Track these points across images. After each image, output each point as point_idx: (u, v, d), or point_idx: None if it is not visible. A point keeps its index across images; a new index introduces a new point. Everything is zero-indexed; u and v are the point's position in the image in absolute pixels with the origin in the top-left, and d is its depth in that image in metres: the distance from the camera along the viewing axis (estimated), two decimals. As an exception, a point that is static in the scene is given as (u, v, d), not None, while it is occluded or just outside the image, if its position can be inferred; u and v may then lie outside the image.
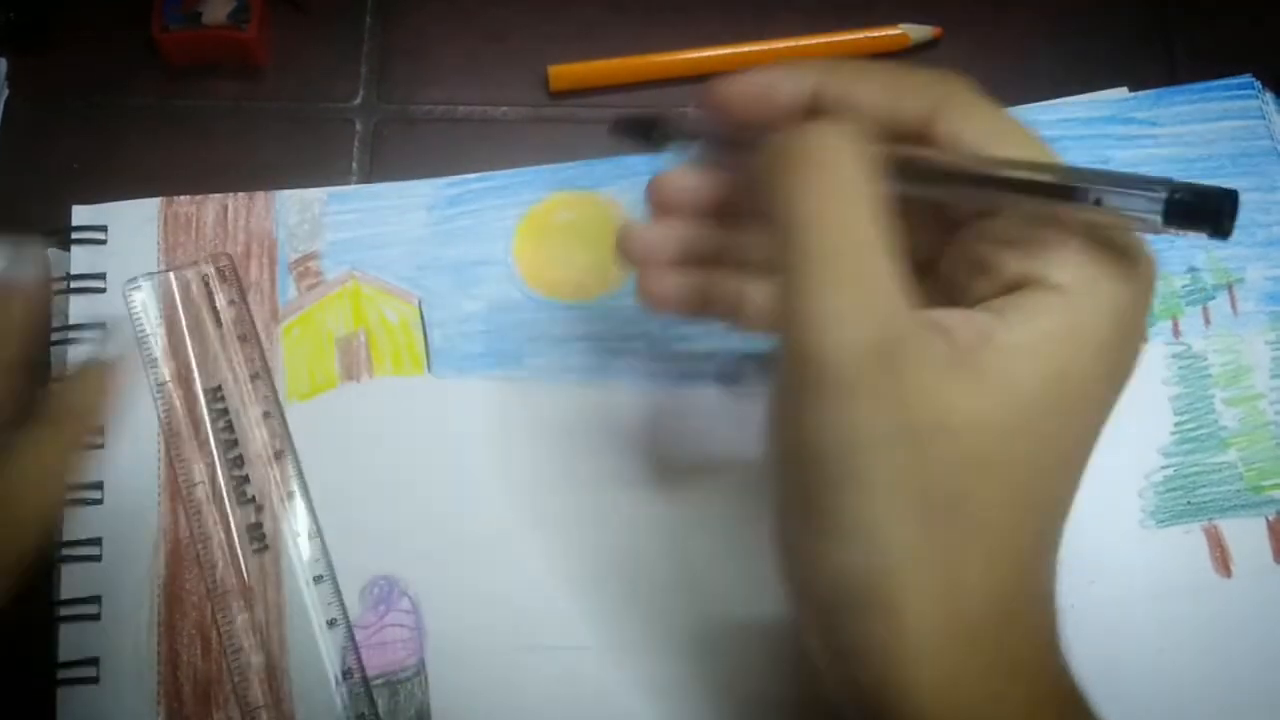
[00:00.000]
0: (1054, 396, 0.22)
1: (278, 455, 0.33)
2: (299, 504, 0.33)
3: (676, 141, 0.28)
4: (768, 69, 0.26)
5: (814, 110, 0.25)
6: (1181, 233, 0.21)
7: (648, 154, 0.29)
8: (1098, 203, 0.22)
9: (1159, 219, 0.21)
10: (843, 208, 0.23)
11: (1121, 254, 0.23)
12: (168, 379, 0.34)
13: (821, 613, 0.23)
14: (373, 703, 0.31)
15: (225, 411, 0.34)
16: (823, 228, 0.23)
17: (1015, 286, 0.23)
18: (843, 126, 0.24)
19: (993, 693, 0.22)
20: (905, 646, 0.22)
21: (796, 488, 0.23)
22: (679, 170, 0.28)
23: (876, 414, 0.22)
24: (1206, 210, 0.20)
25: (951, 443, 0.22)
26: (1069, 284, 0.23)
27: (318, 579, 0.32)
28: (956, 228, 0.25)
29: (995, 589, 0.22)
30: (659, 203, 0.28)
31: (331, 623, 0.32)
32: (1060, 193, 0.22)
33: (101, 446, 0.33)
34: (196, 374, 0.34)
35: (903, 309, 0.22)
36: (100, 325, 0.34)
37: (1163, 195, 0.21)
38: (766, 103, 0.26)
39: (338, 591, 0.32)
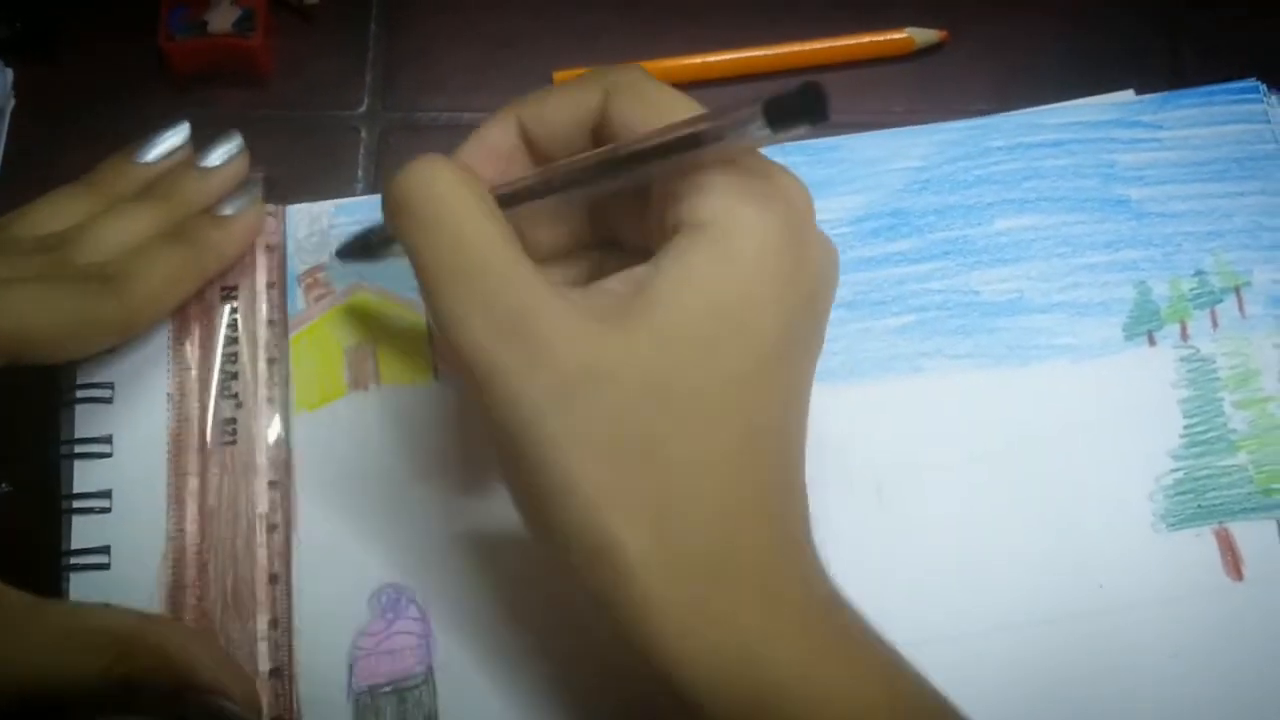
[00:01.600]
0: (716, 322, 0.24)
1: (276, 483, 0.33)
2: (301, 515, 0.33)
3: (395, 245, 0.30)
4: (478, 134, 0.29)
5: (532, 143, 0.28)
6: (790, 132, 0.22)
7: (376, 262, 0.33)
8: (719, 140, 0.23)
9: (767, 130, 0.22)
10: (448, 230, 0.25)
11: (761, 181, 0.24)
12: (178, 389, 0.34)
13: (576, 574, 0.24)
14: (380, 711, 0.31)
15: (234, 421, 0.34)
16: (434, 253, 0.25)
17: (672, 234, 0.25)
18: (435, 159, 0.26)
19: (734, 616, 0.24)
20: (634, 587, 0.23)
21: (510, 467, 0.25)
22: None
23: (528, 382, 0.23)
24: (800, 104, 0.22)
25: (614, 387, 0.23)
26: (710, 218, 0.24)
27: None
28: (645, 204, 0.27)
29: (713, 515, 0.24)
30: None
31: (337, 630, 0.32)
32: (680, 145, 0.24)
33: (109, 455, 0.33)
34: (209, 383, 0.34)
35: (528, 289, 0.24)
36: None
37: (758, 107, 0.22)
38: (495, 159, 0.28)
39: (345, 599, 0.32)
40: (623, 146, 0.25)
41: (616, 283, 0.25)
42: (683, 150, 0.24)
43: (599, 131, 0.27)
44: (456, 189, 0.25)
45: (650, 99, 0.26)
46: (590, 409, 0.23)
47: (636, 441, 0.23)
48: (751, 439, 0.24)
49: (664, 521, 0.23)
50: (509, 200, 0.27)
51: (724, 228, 0.24)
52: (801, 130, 0.22)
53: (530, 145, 0.28)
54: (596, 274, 0.27)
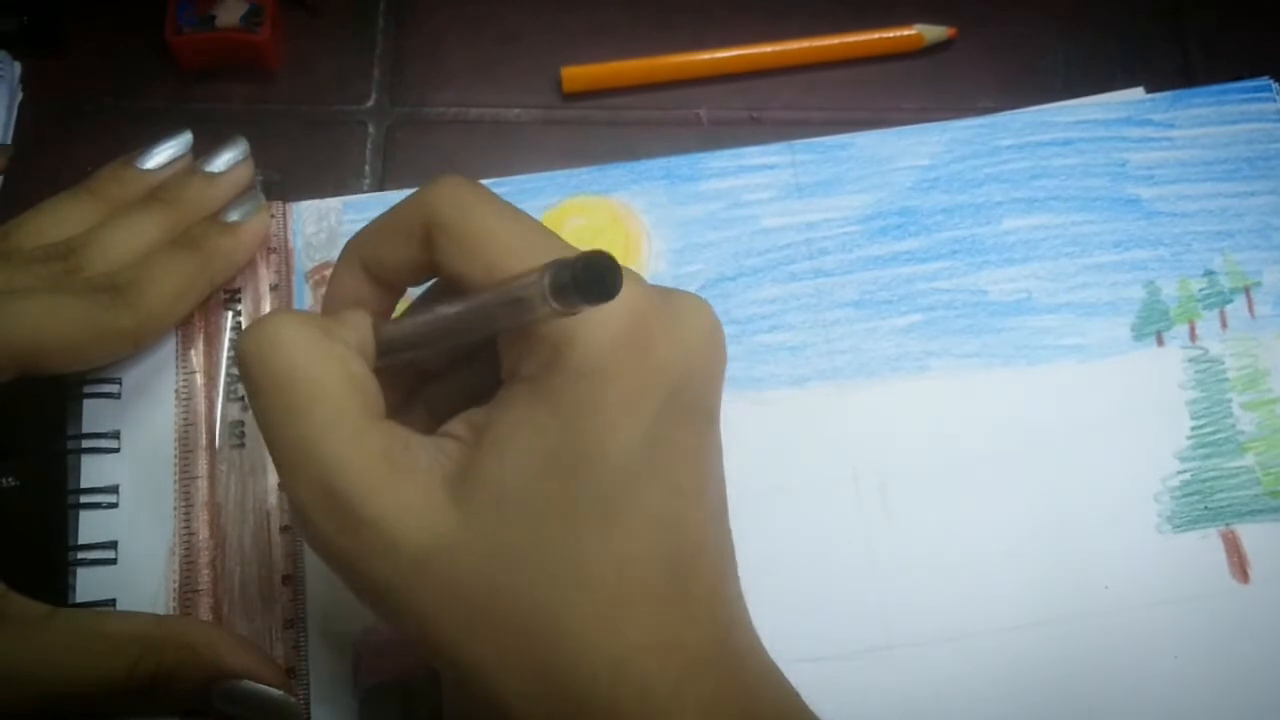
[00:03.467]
0: (549, 477, 0.23)
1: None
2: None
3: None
4: (331, 279, 0.27)
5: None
6: (576, 307, 0.21)
7: None
8: (529, 311, 0.22)
9: (557, 306, 0.21)
10: (286, 406, 0.24)
11: (570, 331, 0.23)
12: (185, 389, 0.34)
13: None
14: (387, 708, 0.31)
15: (241, 424, 0.34)
16: (273, 430, 0.24)
17: (506, 378, 0.24)
18: (284, 319, 0.25)
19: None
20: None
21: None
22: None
23: (375, 567, 0.23)
24: (588, 285, 0.20)
25: (461, 555, 0.23)
26: (531, 372, 0.24)
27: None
28: None
29: (600, 665, 0.23)
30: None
31: (344, 628, 0.32)
32: (490, 319, 0.23)
33: (117, 450, 0.33)
34: (216, 384, 0.34)
35: (365, 471, 0.23)
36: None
37: (545, 279, 0.21)
38: (353, 302, 0.27)
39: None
40: (436, 319, 0.25)
41: (459, 426, 0.25)
42: (494, 321, 0.23)
43: (434, 268, 0.26)
44: (301, 354, 0.24)
45: (465, 242, 0.25)
46: (441, 583, 0.23)
47: (494, 607, 0.23)
48: (623, 573, 0.23)
49: (538, 686, 0.23)
50: (387, 346, 0.26)
51: (549, 376, 0.23)
52: (587, 308, 0.21)
53: (378, 282, 0.27)
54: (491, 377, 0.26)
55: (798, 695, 0.25)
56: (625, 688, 0.23)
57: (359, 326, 0.26)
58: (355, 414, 0.24)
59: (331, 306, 0.27)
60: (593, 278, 0.20)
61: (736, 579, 0.26)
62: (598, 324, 0.23)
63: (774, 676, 0.25)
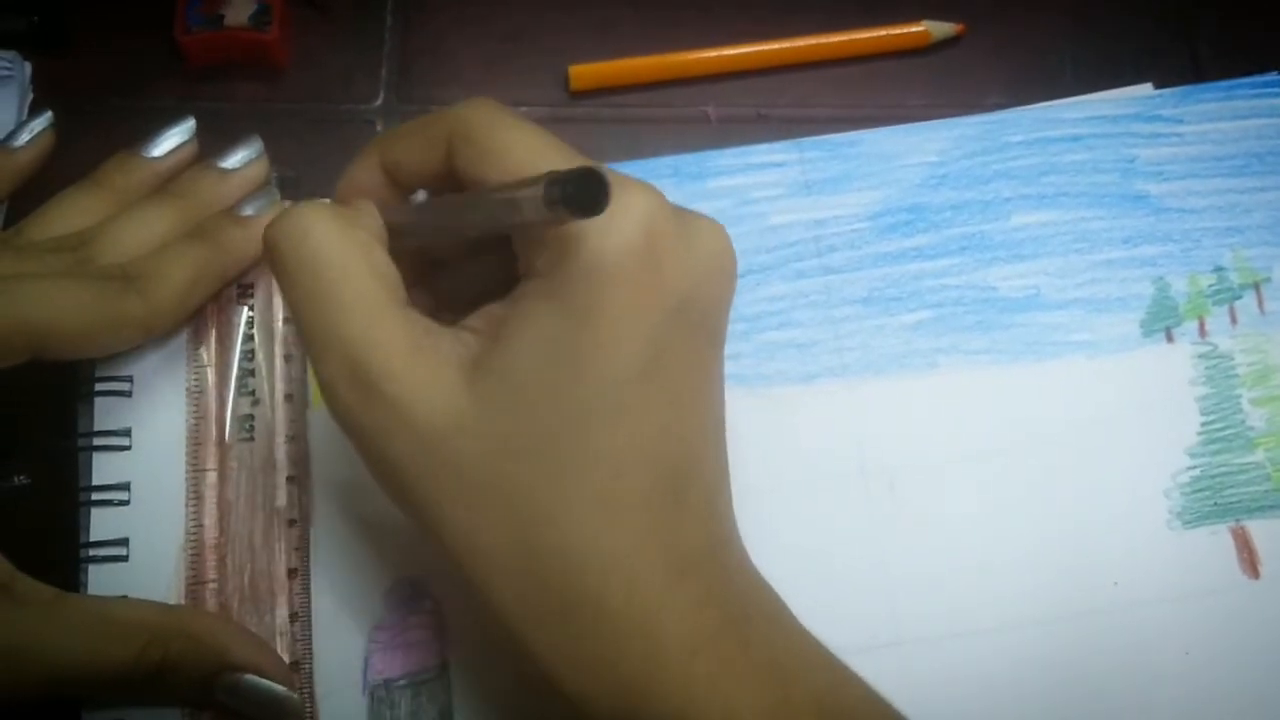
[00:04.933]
0: (558, 368, 0.24)
1: (294, 478, 0.33)
2: (317, 510, 0.33)
3: None
4: (347, 174, 0.29)
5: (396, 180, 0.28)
6: (566, 219, 0.22)
7: None
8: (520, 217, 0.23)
9: (550, 215, 0.22)
10: (316, 288, 0.25)
11: (582, 232, 0.24)
12: (196, 385, 0.34)
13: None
14: (396, 704, 0.31)
15: (251, 418, 0.34)
16: (303, 311, 0.26)
17: (523, 274, 0.25)
18: (312, 208, 0.26)
19: (614, 665, 0.24)
20: (511, 627, 0.25)
21: (393, 496, 0.26)
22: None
23: (390, 441, 0.25)
24: (578, 198, 0.21)
25: (470, 441, 0.24)
26: (545, 268, 0.24)
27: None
28: None
29: (584, 558, 0.24)
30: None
31: (351, 623, 0.32)
32: (496, 215, 0.24)
33: (128, 448, 0.33)
34: (227, 380, 0.34)
35: (388, 351, 0.25)
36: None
37: (540, 191, 0.22)
38: (367, 196, 0.28)
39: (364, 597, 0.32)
40: (451, 207, 0.26)
41: (479, 320, 0.26)
42: (500, 218, 0.24)
43: (453, 175, 0.27)
44: (328, 242, 0.25)
45: (487, 152, 0.26)
46: (449, 463, 0.24)
47: (496, 491, 0.24)
48: (621, 472, 0.24)
49: (529, 573, 0.24)
50: (396, 232, 0.27)
51: (560, 275, 0.24)
52: (578, 220, 0.22)
53: (395, 181, 0.28)
54: (501, 270, 0.27)
55: (785, 605, 0.26)
56: (613, 581, 0.24)
57: (373, 216, 0.27)
58: (381, 298, 0.25)
59: (344, 197, 0.28)
60: (580, 192, 0.21)
61: (729, 497, 0.27)
62: (612, 230, 0.24)
63: (764, 587, 0.26)
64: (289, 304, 0.26)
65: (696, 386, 0.26)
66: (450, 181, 0.27)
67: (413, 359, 0.25)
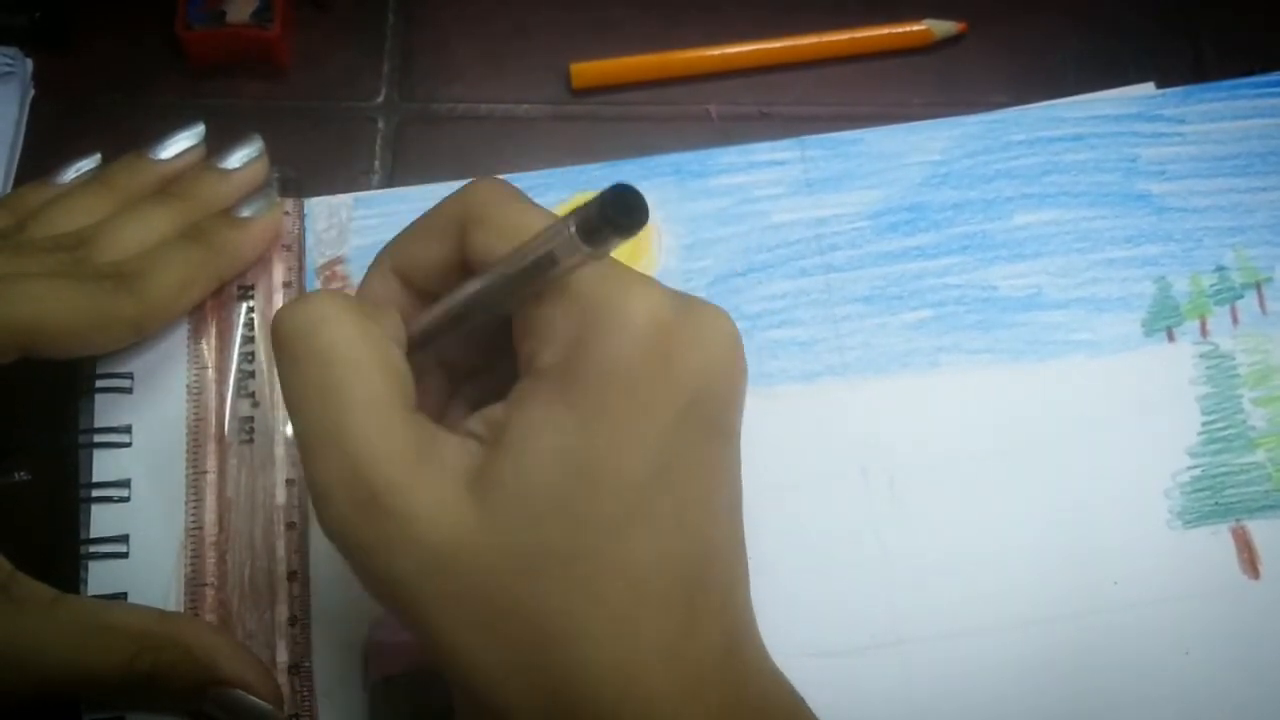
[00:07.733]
0: (567, 477, 0.22)
1: (293, 480, 0.34)
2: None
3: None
4: (361, 287, 0.27)
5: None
6: (608, 241, 0.21)
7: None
8: (554, 264, 0.22)
9: (586, 248, 0.21)
10: (322, 387, 0.23)
11: (598, 310, 0.23)
12: (196, 383, 0.34)
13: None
14: (396, 703, 0.31)
15: (251, 420, 0.34)
16: (304, 410, 0.24)
17: (523, 372, 0.24)
18: (330, 299, 0.24)
19: None
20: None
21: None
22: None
23: (392, 560, 0.23)
24: (616, 215, 0.20)
25: (478, 557, 0.23)
26: (547, 365, 0.23)
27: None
28: None
29: (606, 671, 0.23)
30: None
31: (351, 623, 0.32)
32: (514, 282, 0.23)
33: (129, 445, 0.33)
34: (227, 379, 0.34)
35: (392, 462, 0.23)
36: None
37: (571, 225, 0.21)
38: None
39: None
40: (462, 295, 0.25)
41: (479, 424, 0.24)
42: (521, 285, 0.23)
43: (468, 265, 0.26)
44: (344, 334, 0.24)
45: (502, 228, 0.25)
46: (457, 581, 0.23)
47: (507, 611, 0.23)
48: (638, 581, 0.23)
49: (541, 691, 0.23)
50: (417, 341, 0.26)
51: (562, 374, 0.23)
52: (618, 241, 0.21)
53: (410, 286, 0.27)
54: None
55: (805, 706, 0.25)
56: (631, 699, 0.23)
57: (394, 318, 0.26)
58: (391, 400, 0.24)
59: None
60: (620, 206, 0.20)
61: (747, 591, 0.25)
62: (620, 324, 0.23)
63: (782, 690, 0.25)
64: (289, 398, 0.24)
65: (709, 486, 0.24)
66: (465, 268, 0.26)
67: (419, 469, 0.23)
